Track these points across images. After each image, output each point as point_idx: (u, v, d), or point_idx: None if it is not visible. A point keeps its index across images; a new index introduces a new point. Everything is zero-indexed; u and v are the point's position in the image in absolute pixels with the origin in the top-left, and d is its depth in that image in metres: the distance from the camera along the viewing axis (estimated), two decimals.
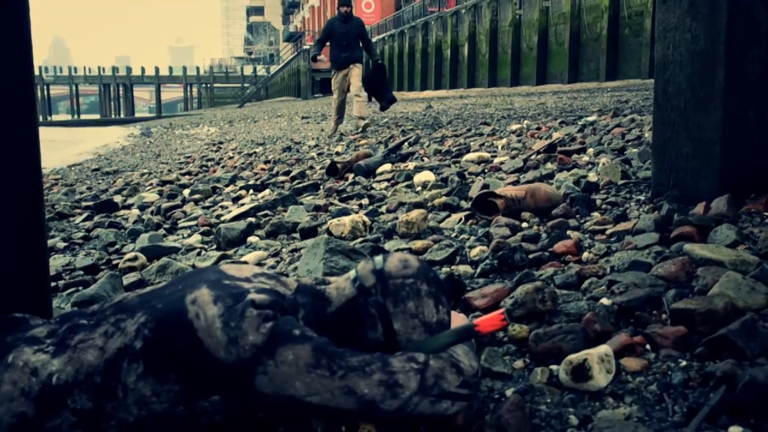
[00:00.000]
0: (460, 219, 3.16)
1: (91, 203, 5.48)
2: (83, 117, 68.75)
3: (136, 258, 3.06)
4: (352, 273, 1.44)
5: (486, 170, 4.66)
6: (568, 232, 2.64)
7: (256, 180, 5.81)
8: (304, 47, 43.71)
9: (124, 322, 1.32)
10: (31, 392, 1.26)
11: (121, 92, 71.95)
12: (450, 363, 1.31)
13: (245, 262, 2.75)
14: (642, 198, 3.14)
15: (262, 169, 6.64)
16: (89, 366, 1.28)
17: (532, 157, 4.82)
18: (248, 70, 70.77)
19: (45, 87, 69.04)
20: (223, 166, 7.90)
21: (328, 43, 10.06)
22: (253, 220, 3.82)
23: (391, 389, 1.25)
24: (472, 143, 6.37)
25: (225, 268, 1.47)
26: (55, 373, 1.28)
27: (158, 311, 1.31)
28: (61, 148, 17.95)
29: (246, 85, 61.35)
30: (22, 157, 1.78)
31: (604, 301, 1.85)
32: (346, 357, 1.27)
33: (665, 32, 2.90)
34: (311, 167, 6.19)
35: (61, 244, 3.88)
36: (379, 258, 1.43)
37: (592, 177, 3.74)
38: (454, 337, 1.37)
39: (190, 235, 3.84)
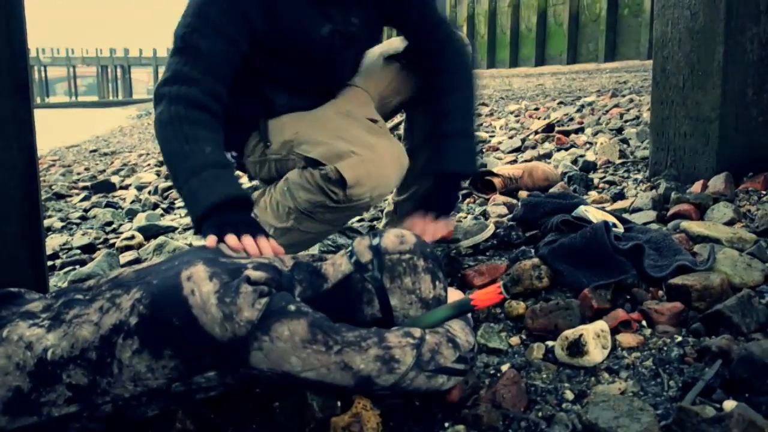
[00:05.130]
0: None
1: (88, 183, 5.47)
2: (81, 99, 68.50)
3: (133, 237, 3.06)
4: (348, 249, 1.44)
5: (484, 150, 4.65)
6: None
7: None
8: None
9: (120, 298, 1.30)
10: (26, 366, 1.26)
11: (118, 74, 71.68)
12: (446, 338, 1.31)
13: None
14: (639, 177, 3.14)
15: None
16: (84, 341, 1.27)
17: (530, 137, 4.81)
18: None
19: (42, 68, 68.72)
20: None
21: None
22: None
23: (387, 364, 1.24)
24: None
25: (223, 246, 1.46)
26: (50, 347, 1.27)
27: (153, 287, 1.30)
28: (59, 130, 17.90)
29: None
30: (17, 134, 1.77)
31: None
32: (342, 332, 1.26)
33: (664, 9, 2.88)
34: None
35: (59, 224, 3.87)
36: (375, 234, 1.42)
37: (590, 156, 3.74)
38: (451, 311, 1.36)
39: (187, 215, 3.84)
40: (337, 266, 1.42)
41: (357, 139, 1.76)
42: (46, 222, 3.84)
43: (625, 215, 2.37)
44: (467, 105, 1.97)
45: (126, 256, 2.79)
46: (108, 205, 4.35)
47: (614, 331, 1.59)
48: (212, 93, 1.68)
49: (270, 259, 1.44)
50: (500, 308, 1.79)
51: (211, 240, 1.47)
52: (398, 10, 1.95)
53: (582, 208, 2.14)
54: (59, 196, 5.04)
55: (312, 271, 1.44)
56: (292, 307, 1.26)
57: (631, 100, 6.35)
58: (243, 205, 1.60)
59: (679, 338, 1.54)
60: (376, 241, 1.40)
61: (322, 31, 1.82)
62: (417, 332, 1.29)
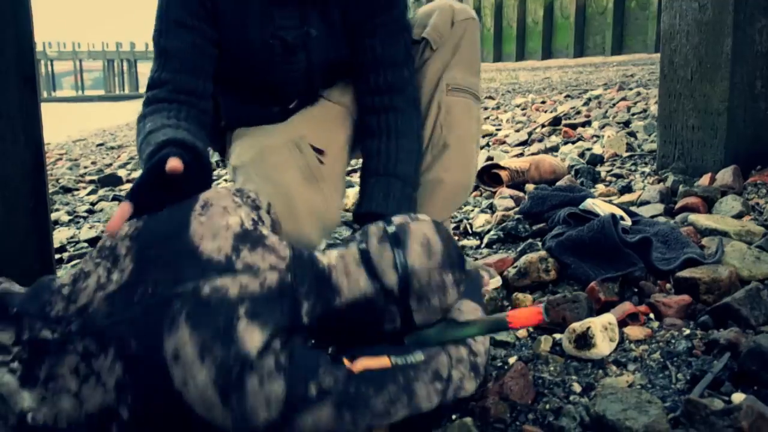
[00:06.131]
0: None
1: (95, 177, 5.48)
2: (88, 93, 68.64)
3: None
4: (357, 252, 1.24)
5: (491, 143, 4.64)
6: None
7: None
8: None
9: (96, 360, 1.10)
10: (9, 419, 1.11)
11: (125, 68, 71.86)
12: (470, 365, 1.22)
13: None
14: (647, 170, 3.13)
15: None
16: (68, 416, 1.10)
17: (537, 130, 4.80)
18: None
19: (49, 63, 68.93)
20: None
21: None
22: None
23: (413, 413, 1.16)
24: None
25: (197, 233, 1.17)
26: (29, 410, 1.10)
27: (136, 363, 1.09)
28: (66, 124, 17.94)
29: None
30: (24, 127, 1.77)
31: None
32: (370, 401, 1.12)
33: (672, 1, 2.86)
34: None
35: (66, 218, 3.89)
36: (396, 241, 1.22)
37: (597, 149, 3.73)
38: (484, 330, 1.25)
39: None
40: (352, 280, 1.21)
41: (282, 186, 1.64)
42: (54, 215, 3.86)
43: (633, 208, 2.36)
44: (418, 150, 1.78)
45: None
46: (115, 198, 4.36)
47: (622, 323, 1.58)
48: (183, 89, 1.62)
49: (259, 256, 1.18)
50: (507, 301, 1.79)
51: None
52: (362, 34, 1.76)
53: (589, 201, 2.13)
54: (66, 190, 5.05)
55: (318, 276, 1.22)
56: (313, 390, 1.08)
57: (639, 93, 6.33)
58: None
59: (687, 331, 1.53)
60: (401, 258, 1.20)
61: (262, 35, 1.70)
62: (444, 370, 1.18)
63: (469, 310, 1.36)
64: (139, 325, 1.10)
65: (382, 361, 1.16)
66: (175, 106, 1.58)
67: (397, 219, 1.26)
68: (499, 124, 5.71)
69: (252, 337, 1.07)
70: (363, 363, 1.14)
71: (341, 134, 1.85)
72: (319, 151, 1.78)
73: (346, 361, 1.13)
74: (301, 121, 1.84)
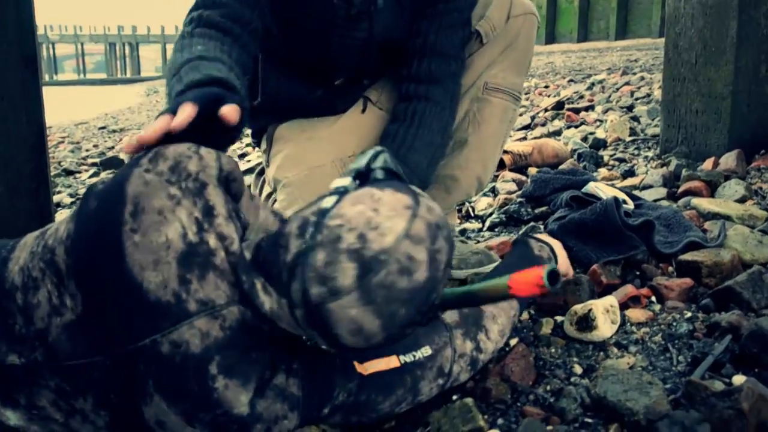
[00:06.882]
0: None
1: (97, 160, 5.48)
2: (89, 76, 68.52)
3: None
4: (289, 315, 0.98)
5: None
6: None
7: None
8: None
9: (76, 401, 1.04)
10: None
11: (127, 51, 71.67)
12: (469, 361, 1.23)
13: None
14: (650, 154, 3.12)
15: None
16: None
17: (540, 114, 4.79)
18: None
19: (51, 46, 68.77)
20: None
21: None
22: None
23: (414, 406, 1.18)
24: None
25: (135, 262, 0.99)
26: (18, 427, 1.07)
27: (122, 417, 1.04)
28: (68, 107, 17.92)
29: None
30: (26, 107, 1.77)
31: None
32: (378, 406, 1.12)
33: None
34: None
35: (68, 200, 3.89)
36: (324, 339, 0.97)
37: (600, 134, 3.72)
38: (484, 299, 1.06)
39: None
40: (297, 332, 1.03)
41: None
42: (56, 198, 3.86)
43: (636, 192, 2.36)
44: (439, 146, 1.69)
45: None
46: None
47: (623, 306, 1.58)
48: (239, 19, 1.44)
49: (216, 298, 1.01)
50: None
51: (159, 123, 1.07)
52: (422, 16, 1.68)
53: (592, 184, 2.13)
54: (68, 173, 5.05)
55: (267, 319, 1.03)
56: (327, 411, 1.08)
57: (642, 78, 6.30)
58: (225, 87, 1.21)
59: (689, 314, 1.54)
60: (328, 346, 0.99)
61: None
62: (447, 365, 1.18)
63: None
64: (113, 380, 1.02)
65: (391, 362, 1.14)
66: (228, 40, 1.40)
67: (315, 266, 0.91)
68: None
69: (236, 396, 0.97)
70: (373, 365, 1.12)
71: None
72: None
73: (356, 365, 1.11)
74: (350, 132, 1.78)
